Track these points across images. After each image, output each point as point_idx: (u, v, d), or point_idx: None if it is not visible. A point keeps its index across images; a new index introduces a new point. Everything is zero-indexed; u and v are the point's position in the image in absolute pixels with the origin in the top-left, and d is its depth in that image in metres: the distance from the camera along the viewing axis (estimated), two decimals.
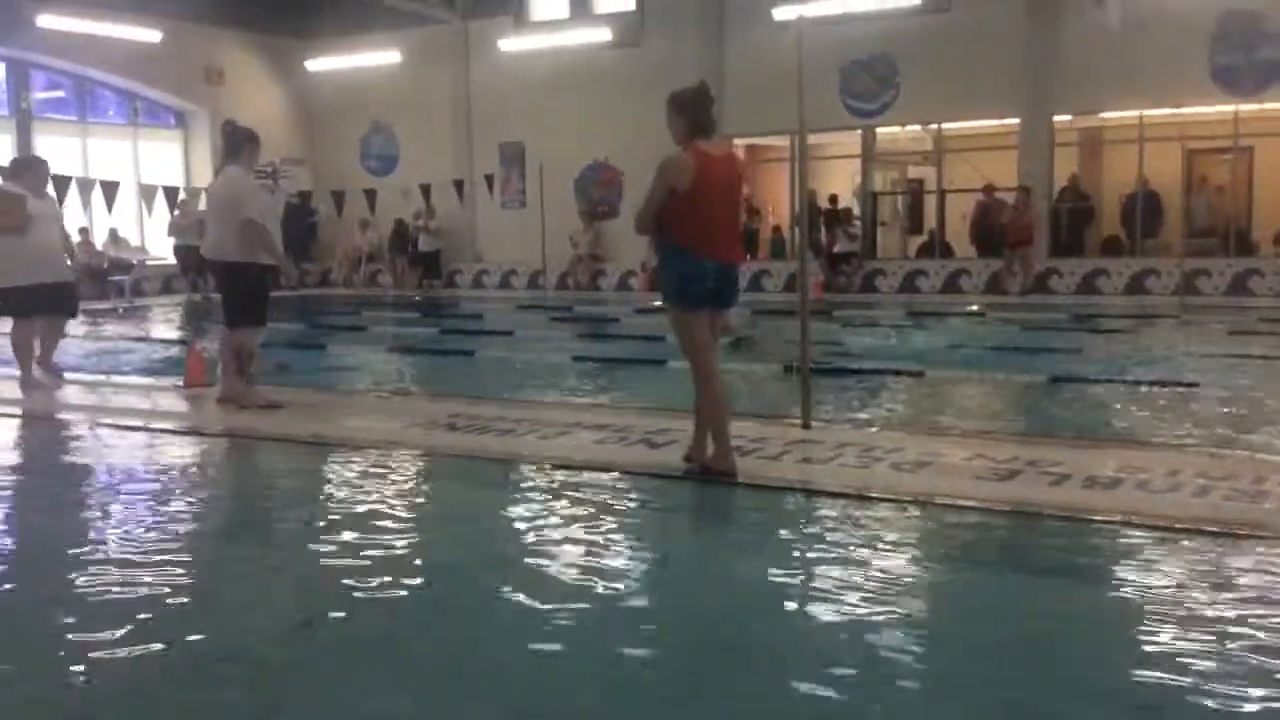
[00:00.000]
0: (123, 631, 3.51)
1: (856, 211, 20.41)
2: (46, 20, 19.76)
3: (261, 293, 7.75)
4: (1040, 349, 10.73)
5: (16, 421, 7.69)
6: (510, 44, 22.02)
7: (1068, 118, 18.88)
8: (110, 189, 18.31)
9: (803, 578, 4.09)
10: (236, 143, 7.79)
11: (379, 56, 23.26)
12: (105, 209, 18.64)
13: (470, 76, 23.10)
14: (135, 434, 7.02)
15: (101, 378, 9.59)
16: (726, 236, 5.39)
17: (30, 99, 21.30)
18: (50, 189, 9.39)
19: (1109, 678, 3.13)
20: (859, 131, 19.92)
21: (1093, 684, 3.09)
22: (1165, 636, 3.39)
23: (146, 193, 19.76)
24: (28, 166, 9.01)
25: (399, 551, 4.46)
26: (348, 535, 4.64)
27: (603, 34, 21.18)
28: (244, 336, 7.69)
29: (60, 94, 22.18)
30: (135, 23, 20.74)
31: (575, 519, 4.84)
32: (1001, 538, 4.53)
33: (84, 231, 20.48)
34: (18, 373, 8.85)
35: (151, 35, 21.20)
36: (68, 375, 9.27)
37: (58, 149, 21.16)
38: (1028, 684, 3.12)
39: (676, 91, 5.38)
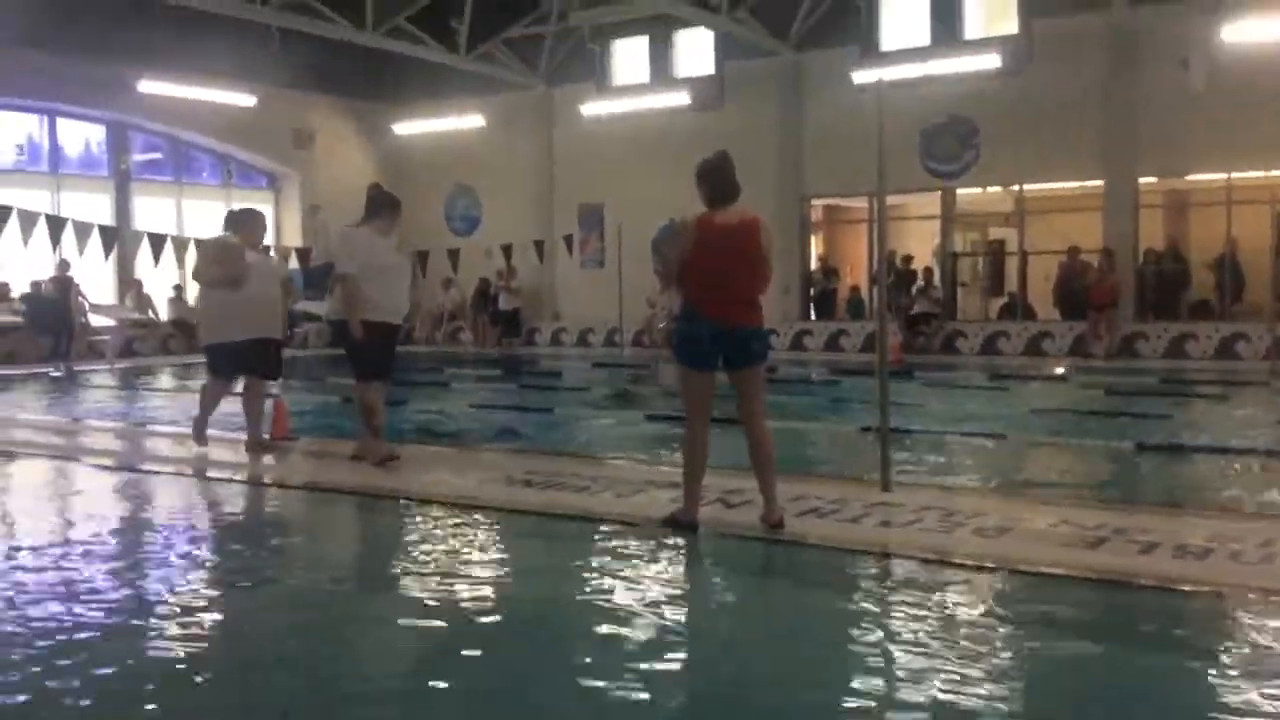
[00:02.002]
0: None
1: (936, 272, 20.26)
2: (146, 85, 20.56)
3: (375, 348, 7.55)
4: (1126, 414, 10.50)
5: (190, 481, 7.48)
6: (592, 108, 22.40)
7: (1152, 180, 18.60)
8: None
9: (880, 644, 4.01)
10: (374, 205, 7.77)
11: (464, 121, 23.81)
12: None
13: (552, 140, 23.53)
14: (235, 486, 7.18)
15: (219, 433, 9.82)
16: (728, 299, 5.49)
17: (129, 161, 22.13)
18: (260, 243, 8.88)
19: None
20: (939, 192, 19.83)
21: None
22: (1261, 708, 3.27)
23: None
24: (247, 219, 8.65)
25: (468, 606, 4.48)
26: (418, 588, 4.67)
27: (682, 98, 21.45)
28: (363, 391, 7.61)
29: (157, 156, 23.01)
30: (230, 88, 21.49)
31: (648, 577, 4.82)
32: (1088, 607, 4.41)
33: (178, 289, 21.16)
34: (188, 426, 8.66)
35: (246, 100, 21.94)
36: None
37: (154, 209, 21.99)
38: None
39: (700, 161, 5.71)
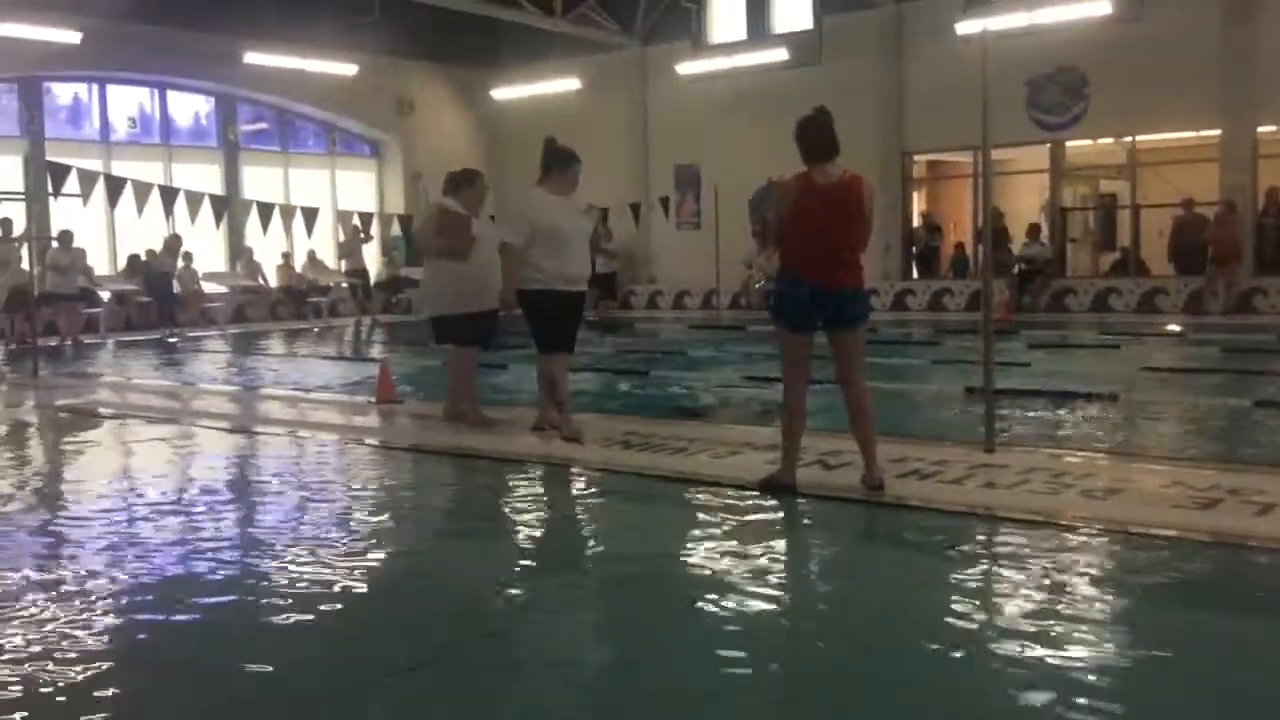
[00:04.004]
0: None
1: (1045, 228, 19.73)
2: (252, 57, 21.00)
3: (556, 320, 7.11)
4: (1244, 371, 10.13)
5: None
6: (688, 67, 22.22)
7: (1272, 128, 17.81)
8: (310, 215, 19.27)
9: (985, 607, 3.95)
10: (549, 161, 7.27)
11: (560, 84, 23.83)
12: (305, 234, 19.63)
13: (648, 100, 23.43)
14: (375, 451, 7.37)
15: (337, 396, 10.08)
16: (827, 260, 5.38)
17: (237, 131, 22.68)
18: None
19: None
20: (1046, 145, 19.28)
21: None
22: None
23: (344, 219, 20.78)
24: (469, 181, 7.96)
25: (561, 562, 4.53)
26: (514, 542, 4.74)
27: (780, 54, 21.15)
28: (545, 362, 7.26)
29: (264, 126, 23.53)
30: (332, 57, 21.83)
31: (749, 539, 4.81)
32: (1201, 569, 4.28)
33: (286, 256, 21.68)
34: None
35: (348, 69, 22.27)
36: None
37: (262, 178, 22.54)
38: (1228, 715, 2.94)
39: (798, 118, 5.54)
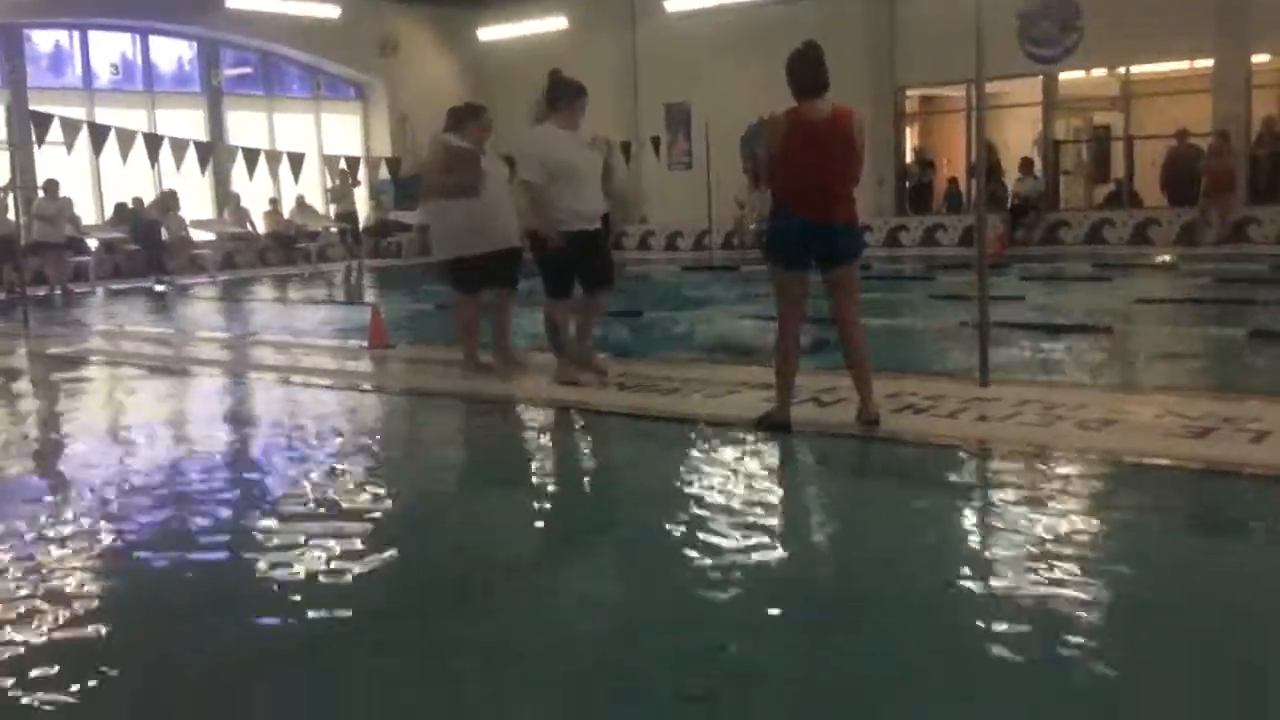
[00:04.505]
0: None
1: (1038, 161, 19.62)
2: (235, 1, 20.66)
3: (564, 261, 6.79)
4: (1237, 301, 10.13)
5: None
6: (677, 4, 21.95)
7: (1265, 57, 17.64)
8: (296, 160, 19.09)
9: (980, 537, 3.97)
10: (554, 95, 6.94)
11: (546, 23, 23.52)
12: (292, 179, 19.45)
13: (636, 39, 23.13)
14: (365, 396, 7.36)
15: (331, 342, 10.04)
16: (819, 195, 5.34)
17: (221, 76, 22.39)
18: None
19: None
20: (1040, 78, 19.10)
21: None
22: None
23: (330, 163, 20.59)
24: (473, 115, 7.51)
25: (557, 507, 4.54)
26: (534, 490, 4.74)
27: None
28: (549, 308, 7.01)
29: (248, 71, 23.23)
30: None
31: (745, 476, 4.82)
32: (1195, 497, 4.30)
33: (273, 202, 21.52)
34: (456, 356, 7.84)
35: (331, 11, 21.96)
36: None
37: (247, 124, 22.28)
38: (1226, 647, 2.96)
39: (789, 55, 5.44)
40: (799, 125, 5.36)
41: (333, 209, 21.46)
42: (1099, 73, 19.63)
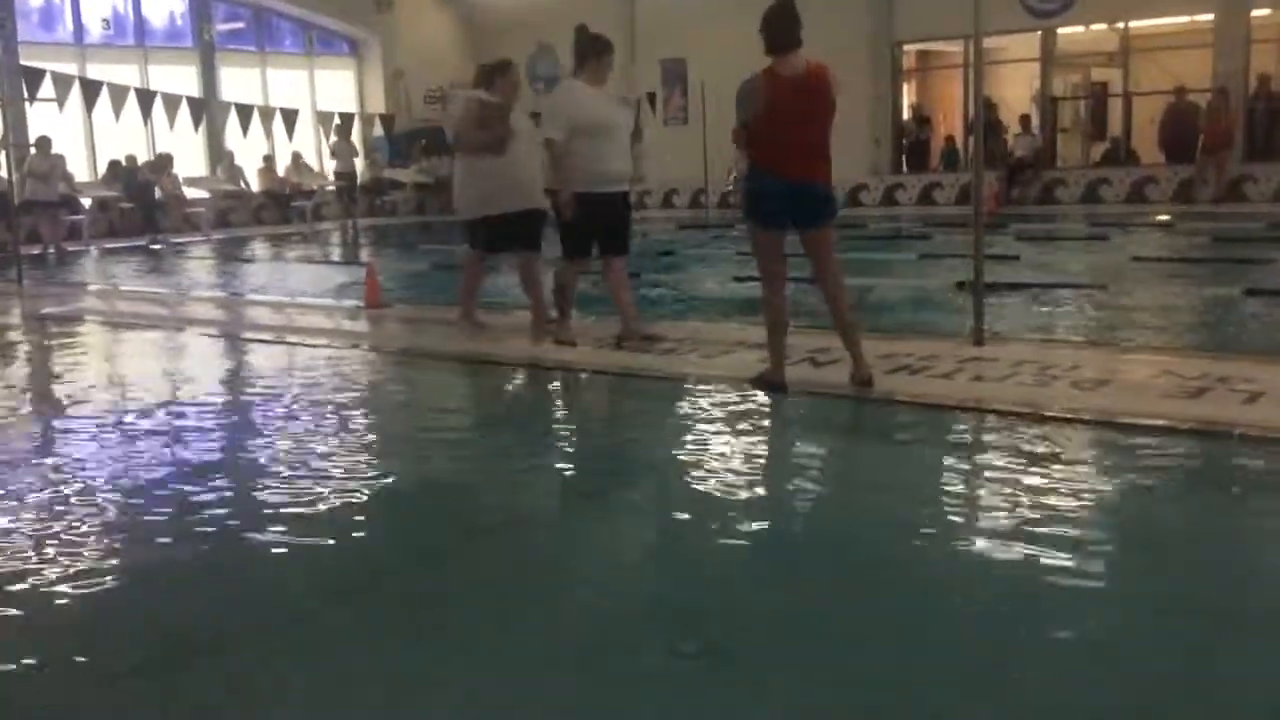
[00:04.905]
0: None
1: (1035, 118, 19.51)
2: None
3: (586, 224, 6.64)
4: (1233, 260, 10.13)
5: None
6: None
7: (1265, 12, 17.51)
8: (290, 117, 18.97)
9: (975, 498, 4.00)
10: (582, 52, 6.74)
11: None
12: (286, 137, 19.35)
13: None
14: (327, 351, 7.37)
15: (330, 302, 10.02)
16: (800, 156, 5.35)
17: (212, 31, 22.16)
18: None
19: None
20: (1038, 33, 18.95)
21: None
22: None
23: (324, 120, 20.47)
24: (501, 71, 7.32)
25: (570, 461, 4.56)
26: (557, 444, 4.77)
27: None
28: (562, 269, 6.94)
29: (240, 26, 22.99)
30: None
31: (739, 433, 4.84)
32: (1189, 457, 4.33)
33: (267, 160, 21.39)
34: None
35: None
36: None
37: (240, 80, 22.09)
38: (1221, 604, 2.99)
39: (765, 11, 5.36)
40: (777, 84, 5.32)
41: (331, 166, 21.36)
42: (1098, 28, 19.48)
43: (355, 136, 20.99)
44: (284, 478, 4.43)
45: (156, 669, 2.84)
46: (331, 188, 21.65)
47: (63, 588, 3.34)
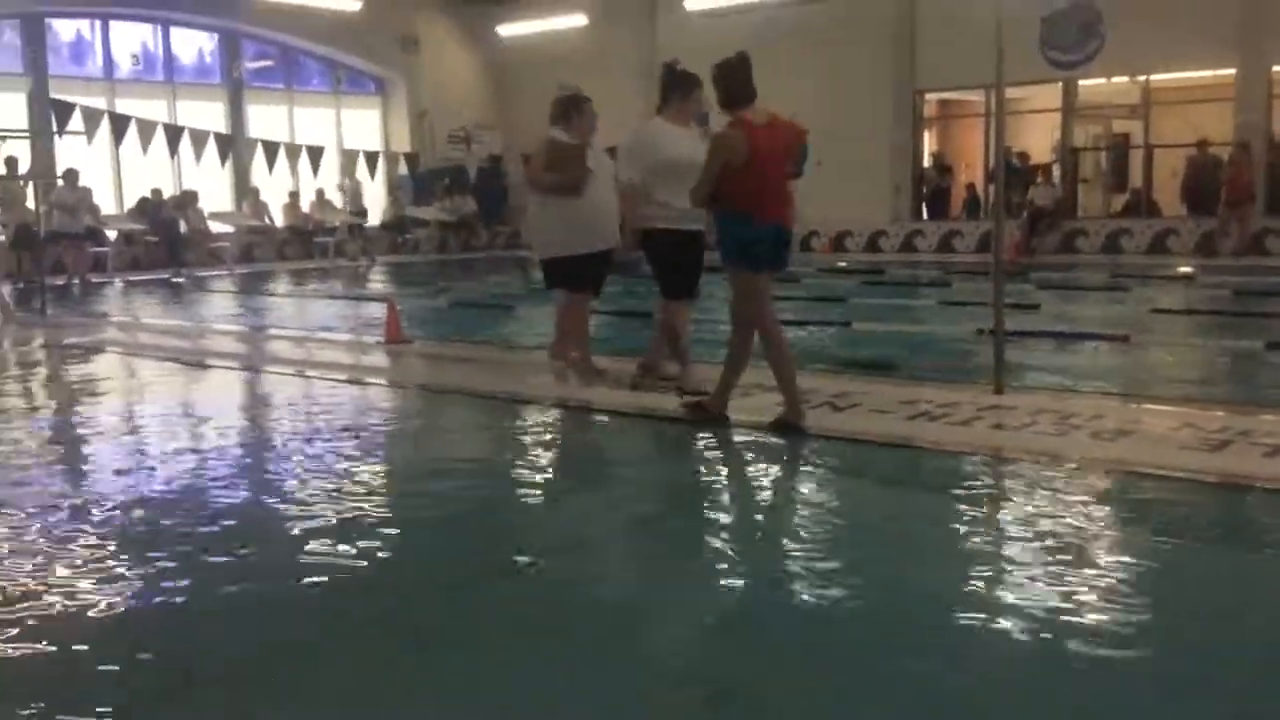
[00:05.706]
0: None
1: (1056, 169, 19.54)
2: None
3: (678, 261, 6.57)
4: (1255, 314, 10.08)
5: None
6: (696, 2, 21.94)
7: None
8: (315, 154, 19.18)
9: (991, 547, 3.96)
10: (667, 89, 6.71)
11: (567, 20, 23.53)
12: (311, 173, 19.57)
13: (656, 36, 23.10)
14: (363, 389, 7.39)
15: (348, 337, 10.06)
16: (780, 201, 5.60)
17: (242, 68, 22.46)
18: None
19: None
20: (1059, 84, 19.02)
21: None
22: None
23: (349, 158, 20.71)
24: (577, 108, 7.18)
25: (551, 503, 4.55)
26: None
27: None
28: (667, 310, 6.72)
29: (269, 64, 23.31)
30: None
31: (755, 479, 4.82)
32: (1208, 510, 4.29)
33: (293, 196, 21.60)
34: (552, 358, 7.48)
35: (352, 5, 22.03)
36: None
37: (267, 117, 22.37)
38: (1238, 661, 2.95)
39: (717, 63, 5.63)
40: (756, 133, 5.50)
41: (348, 204, 21.72)
42: (1120, 80, 19.54)
43: (379, 175, 21.25)
44: (303, 506, 4.44)
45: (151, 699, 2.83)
46: (349, 225, 21.92)
47: (92, 614, 3.34)
